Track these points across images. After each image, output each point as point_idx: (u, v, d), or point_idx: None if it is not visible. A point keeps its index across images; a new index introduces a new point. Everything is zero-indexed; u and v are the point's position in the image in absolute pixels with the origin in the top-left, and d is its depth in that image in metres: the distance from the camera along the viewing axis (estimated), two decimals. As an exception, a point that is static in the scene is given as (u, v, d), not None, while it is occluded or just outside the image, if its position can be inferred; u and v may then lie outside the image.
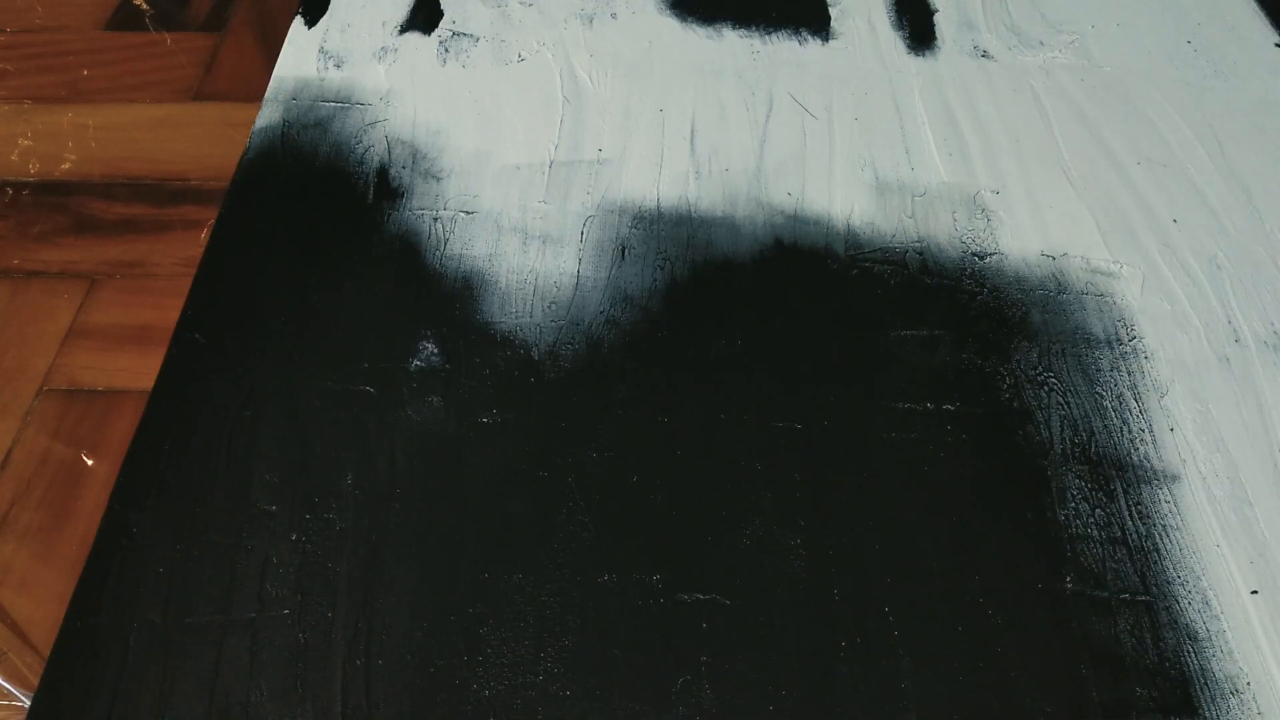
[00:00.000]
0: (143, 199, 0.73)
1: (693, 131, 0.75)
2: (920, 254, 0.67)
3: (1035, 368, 0.60)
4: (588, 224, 0.69)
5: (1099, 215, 0.69)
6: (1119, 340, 0.62)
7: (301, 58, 0.82)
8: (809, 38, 0.84)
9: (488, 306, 0.64)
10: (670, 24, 0.85)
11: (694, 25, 0.85)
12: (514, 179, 0.72)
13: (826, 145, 0.74)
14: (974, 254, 0.67)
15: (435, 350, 0.62)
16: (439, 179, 0.72)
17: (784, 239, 0.68)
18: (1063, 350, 0.61)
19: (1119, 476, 0.56)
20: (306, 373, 0.61)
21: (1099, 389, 0.59)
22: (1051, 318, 0.63)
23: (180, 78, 0.83)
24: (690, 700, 0.48)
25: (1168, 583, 0.51)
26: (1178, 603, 0.51)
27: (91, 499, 0.56)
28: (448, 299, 0.65)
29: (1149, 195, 0.70)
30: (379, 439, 0.58)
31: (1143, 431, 0.57)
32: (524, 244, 0.68)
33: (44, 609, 0.53)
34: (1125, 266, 0.66)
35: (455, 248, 0.68)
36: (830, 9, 0.87)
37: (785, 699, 0.48)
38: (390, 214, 0.70)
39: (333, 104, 0.78)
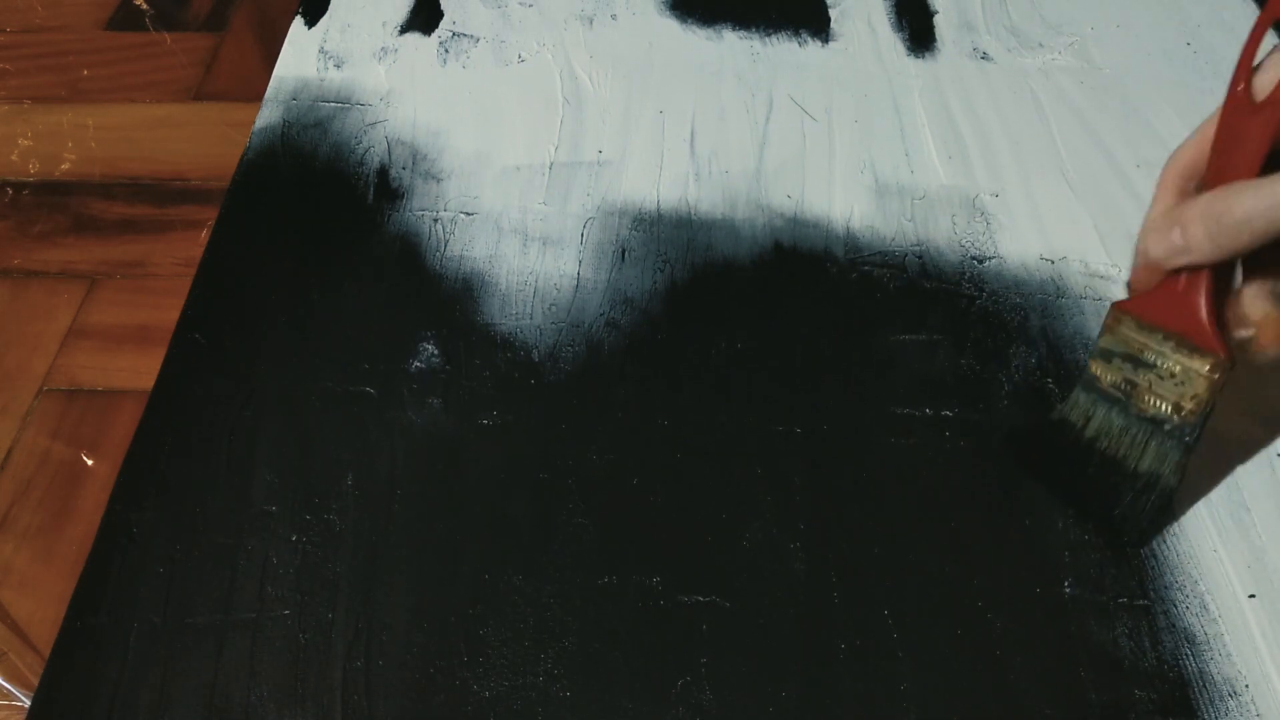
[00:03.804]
0: (143, 199, 0.73)
1: (693, 133, 0.75)
2: (919, 257, 0.67)
3: (1034, 374, 0.61)
4: (588, 226, 0.69)
5: (1098, 218, 0.69)
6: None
7: (301, 58, 0.82)
8: (809, 39, 0.84)
9: (488, 308, 0.64)
10: (670, 25, 0.85)
11: (694, 26, 0.85)
12: (514, 180, 0.72)
13: (826, 148, 0.74)
14: (973, 257, 0.67)
15: (435, 351, 0.62)
16: (439, 180, 0.72)
17: (784, 242, 0.68)
18: (1061, 356, 0.61)
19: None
20: (306, 373, 0.61)
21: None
22: (1050, 323, 0.63)
23: (180, 78, 0.83)
24: (690, 701, 0.48)
25: (1166, 587, 0.52)
26: (1176, 607, 0.51)
27: (91, 499, 0.57)
28: (448, 300, 0.65)
29: (1148, 198, 0.70)
30: (379, 440, 0.58)
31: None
32: (524, 246, 0.68)
33: (44, 609, 0.53)
34: (1124, 270, 0.66)
35: (455, 249, 0.68)
36: (830, 10, 0.87)
37: (785, 700, 0.48)
38: (390, 215, 0.70)
39: (333, 104, 0.78)
